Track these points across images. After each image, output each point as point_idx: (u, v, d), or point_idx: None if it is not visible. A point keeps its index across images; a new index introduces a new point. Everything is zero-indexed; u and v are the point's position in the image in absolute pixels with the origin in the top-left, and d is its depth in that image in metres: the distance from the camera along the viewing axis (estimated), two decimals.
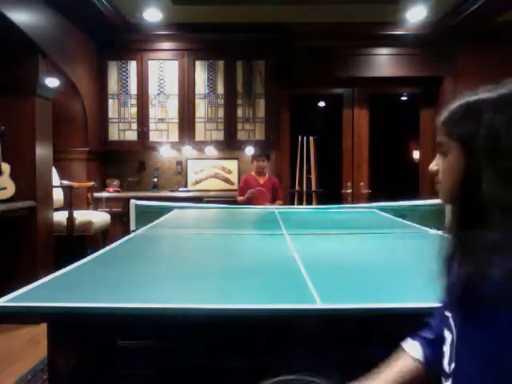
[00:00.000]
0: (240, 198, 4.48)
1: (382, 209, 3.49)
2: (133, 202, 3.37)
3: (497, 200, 0.74)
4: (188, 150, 5.27)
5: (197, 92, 5.07)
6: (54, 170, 4.09)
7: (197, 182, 5.37)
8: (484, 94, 0.80)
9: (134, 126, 5.08)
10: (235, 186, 5.24)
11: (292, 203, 5.35)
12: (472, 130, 0.78)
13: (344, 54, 5.12)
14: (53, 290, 1.32)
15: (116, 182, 5.20)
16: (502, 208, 0.73)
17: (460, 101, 0.83)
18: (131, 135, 5.08)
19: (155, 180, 5.28)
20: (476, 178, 0.76)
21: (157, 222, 2.97)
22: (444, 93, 5.12)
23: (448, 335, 0.84)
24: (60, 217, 4.04)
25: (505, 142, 0.75)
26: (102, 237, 4.51)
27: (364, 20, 4.76)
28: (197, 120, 5.08)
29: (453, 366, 0.81)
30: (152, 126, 5.08)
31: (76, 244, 4.04)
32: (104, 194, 4.89)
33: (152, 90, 5.06)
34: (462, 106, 0.82)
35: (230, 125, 5.06)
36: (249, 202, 4.35)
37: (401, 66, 5.15)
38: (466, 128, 0.79)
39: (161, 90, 5.06)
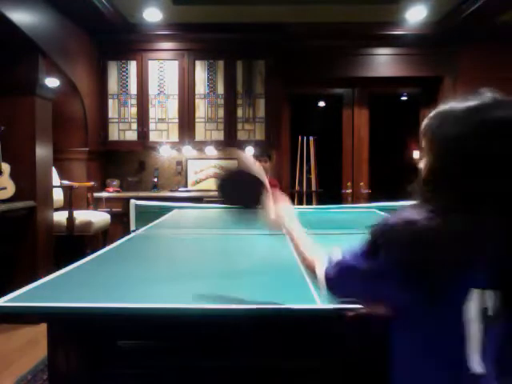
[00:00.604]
0: None
1: (382, 209, 3.48)
2: (133, 201, 3.37)
3: (461, 189, 0.88)
4: (188, 150, 5.26)
5: (197, 92, 5.06)
6: (54, 169, 4.09)
7: (197, 182, 5.37)
8: (454, 104, 0.92)
9: (134, 125, 5.07)
10: None
11: (292, 203, 5.34)
12: (443, 136, 0.91)
13: (344, 53, 5.12)
14: (53, 290, 1.32)
15: (116, 182, 5.20)
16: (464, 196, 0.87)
17: (436, 110, 0.96)
18: (131, 135, 5.08)
19: (155, 180, 5.28)
20: (445, 173, 0.90)
21: (157, 221, 2.97)
22: (444, 93, 5.12)
23: None
24: (60, 217, 4.04)
25: (467, 146, 0.87)
26: (102, 237, 4.51)
27: (364, 20, 4.76)
28: (197, 120, 5.08)
29: None
30: (152, 125, 5.08)
31: (76, 244, 4.04)
32: (104, 194, 4.89)
33: (152, 90, 5.06)
34: (436, 115, 0.95)
35: (230, 125, 5.05)
36: None
37: (401, 66, 5.15)
38: (438, 134, 0.92)
39: (161, 90, 5.06)
